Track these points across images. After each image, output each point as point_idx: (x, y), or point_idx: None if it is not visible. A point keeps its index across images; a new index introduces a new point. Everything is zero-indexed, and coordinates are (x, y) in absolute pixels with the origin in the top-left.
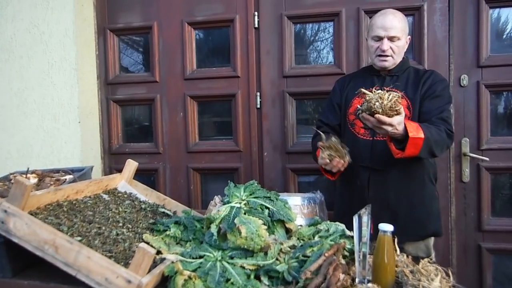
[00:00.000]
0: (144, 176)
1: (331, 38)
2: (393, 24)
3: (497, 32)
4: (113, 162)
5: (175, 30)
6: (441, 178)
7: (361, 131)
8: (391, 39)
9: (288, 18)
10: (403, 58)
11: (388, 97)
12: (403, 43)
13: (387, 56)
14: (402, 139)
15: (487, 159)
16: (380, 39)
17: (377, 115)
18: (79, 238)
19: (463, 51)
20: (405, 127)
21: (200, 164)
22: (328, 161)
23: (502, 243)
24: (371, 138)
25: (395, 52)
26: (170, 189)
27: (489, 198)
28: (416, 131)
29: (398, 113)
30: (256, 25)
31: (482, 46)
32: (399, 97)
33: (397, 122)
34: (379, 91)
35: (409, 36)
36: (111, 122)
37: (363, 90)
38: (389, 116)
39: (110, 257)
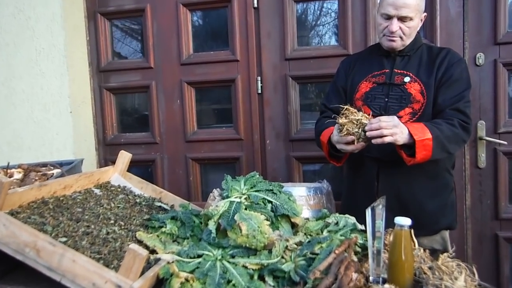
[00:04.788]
0: (141, 167)
1: (336, 17)
2: (406, 2)
3: None
4: (108, 154)
5: (170, 12)
6: (455, 165)
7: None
8: (402, 19)
9: None
10: (415, 35)
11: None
12: (416, 23)
13: (395, 37)
14: (411, 145)
15: (505, 142)
16: (389, 17)
17: (367, 127)
18: (64, 239)
19: (479, 28)
20: (409, 131)
21: (199, 154)
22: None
23: None
24: None
25: (405, 34)
26: (168, 180)
27: (507, 184)
28: (422, 133)
29: None
30: (256, 5)
31: (499, 21)
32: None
33: (389, 119)
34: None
35: (425, 14)
36: (105, 112)
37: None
38: None
39: (98, 259)
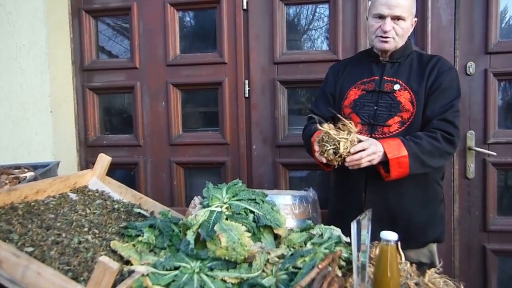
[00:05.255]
0: (123, 170)
1: (326, 21)
2: (399, 2)
3: (507, 15)
4: (90, 155)
5: (157, 11)
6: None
7: (358, 128)
8: (395, 19)
9: None
10: (406, 41)
11: (347, 135)
12: (408, 25)
13: (389, 37)
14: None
15: (494, 153)
16: (382, 18)
17: (358, 153)
18: (31, 248)
19: (470, 36)
20: (384, 149)
21: (183, 158)
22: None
23: (509, 244)
24: (368, 135)
25: (398, 35)
26: (151, 184)
27: (496, 195)
28: (397, 150)
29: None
30: (245, 7)
31: (490, 31)
32: (352, 133)
33: (368, 145)
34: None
35: (416, 19)
36: (88, 112)
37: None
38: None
39: (67, 271)
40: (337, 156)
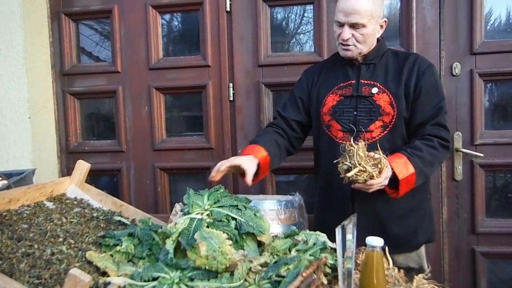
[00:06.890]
0: (106, 176)
1: (311, 22)
2: (356, 8)
3: (493, 16)
4: (71, 162)
5: (138, 14)
6: (432, 177)
7: (339, 135)
8: (353, 26)
9: (263, 1)
10: (378, 39)
11: (370, 167)
12: (371, 30)
13: (349, 45)
14: (394, 179)
15: (482, 155)
16: (342, 25)
17: (370, 185)
18: None
19: (455, 37)
20: (393, 169)
21: (167, 163)
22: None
23: (498, 247)
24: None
25: (359, 41)
26: (134, 191)
27: (484, 197)
28: (406, 169)
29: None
30: (228, 9)
31: (475, 31)
32: (377, 167)
33: (385, 177)
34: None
35: (385, 19)
36: (68, 118)
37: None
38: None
39: (37, 285)
40: (346, 176)
